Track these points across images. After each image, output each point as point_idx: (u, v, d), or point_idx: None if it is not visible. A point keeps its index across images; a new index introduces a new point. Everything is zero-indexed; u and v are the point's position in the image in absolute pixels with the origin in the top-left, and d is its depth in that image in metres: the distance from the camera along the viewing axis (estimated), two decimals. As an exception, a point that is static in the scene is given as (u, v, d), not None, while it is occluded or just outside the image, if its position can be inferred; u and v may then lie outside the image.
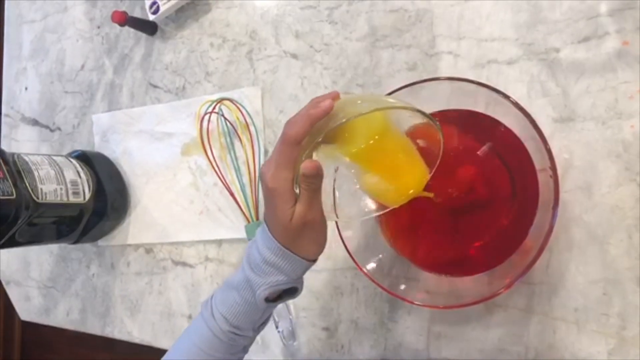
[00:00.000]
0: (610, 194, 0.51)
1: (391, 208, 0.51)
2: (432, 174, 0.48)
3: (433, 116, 0.44)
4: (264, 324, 0.52)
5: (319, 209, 0.46)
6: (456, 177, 0.55)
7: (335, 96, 0.45)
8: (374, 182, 0.48)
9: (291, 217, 0.45)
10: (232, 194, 0.72)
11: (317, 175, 0.44)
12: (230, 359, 0.51)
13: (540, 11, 0.55)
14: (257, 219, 0.70)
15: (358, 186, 0.50)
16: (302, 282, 0.50)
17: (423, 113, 0.43)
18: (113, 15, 0.77)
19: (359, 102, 0.44)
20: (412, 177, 0.48)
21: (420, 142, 0.48)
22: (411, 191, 0.48)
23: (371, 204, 0.52)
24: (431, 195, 0.50)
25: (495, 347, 0.55)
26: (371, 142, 0.44)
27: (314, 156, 0.45)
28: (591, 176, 0.52)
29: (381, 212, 0.52)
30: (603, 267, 0.50)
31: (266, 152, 0.71)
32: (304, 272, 0.48)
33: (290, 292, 0.49)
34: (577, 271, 0.52)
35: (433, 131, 0.45)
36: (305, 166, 0.43)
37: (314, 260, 0.48)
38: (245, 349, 0.52)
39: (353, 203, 0.54)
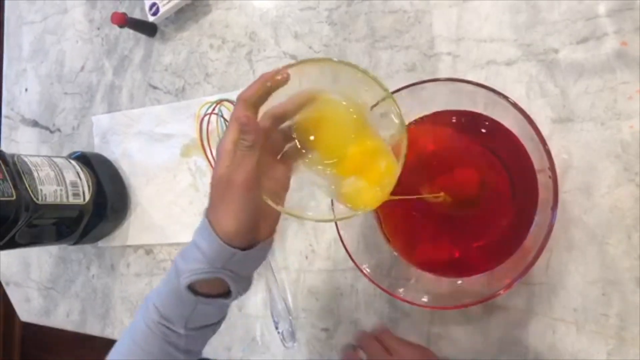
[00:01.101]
0: (609, 194, 0.51)
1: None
2: (401, 167, 0.43)
3: (433, 117, 0.43)
4: (207, 327, 0.47)
5: (248, 173, 0.40)
6: (455, 177, 0.55)
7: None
8: (347, 188, 0.45)
9: (215, 178, 0.41)
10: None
11: (250, 131, 0.40)
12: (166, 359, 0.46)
13: (538, 12, 0.55)
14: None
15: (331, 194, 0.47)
16: (238, 280, 0.44)
17: (379, 84, 0.41)
18: (113, 16, 0.77)
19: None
20: (379, 178, 0.44)
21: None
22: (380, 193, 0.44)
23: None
24: (440, 199, 0.49)
25: (495, 347, 0.55)
26: (349, 143, 0.43)
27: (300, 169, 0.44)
28: (590, 177, 0.52)
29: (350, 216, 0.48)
30: (602, 268, 0.51)
31: (266, 153, 0.71)
32: (226, 260, 0.42)
33: (227, 294, 0.45)
34: (576, 271, 0.52)
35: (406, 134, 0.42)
36: (237, 115, 0.40)
37: (232, 247, 0.42)
38: (188, 354, 0.48)
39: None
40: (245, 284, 0.46)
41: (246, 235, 0.43)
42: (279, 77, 0.41)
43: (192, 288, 0.44)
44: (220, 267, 0.42)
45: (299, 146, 0.45)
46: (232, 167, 0.40)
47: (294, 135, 0.45)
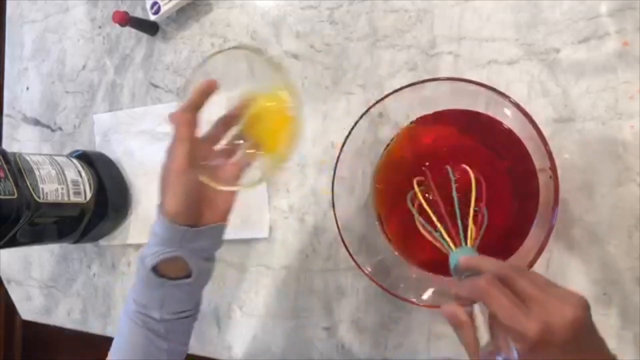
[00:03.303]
0: (610, 194, 0.51)
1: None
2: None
3: (434, 116, 0.44)
4: (182, 314, 0.51)
5: (180, 159, 0.47)
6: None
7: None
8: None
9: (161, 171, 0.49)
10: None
11: (181, 125, 0.47)
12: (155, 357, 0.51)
13: (540, 12, 0.55)
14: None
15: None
16: (195, 259, 0.50)
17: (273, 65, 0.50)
18: (114, 15, 0.77)
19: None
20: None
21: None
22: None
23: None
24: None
25: (496, 347, 0.55)
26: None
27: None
28: (591, 176, 0.52)
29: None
30: (603, 267, 0.51)
31: (267, 152, 0.71)
32: (177, 237, 0.48)
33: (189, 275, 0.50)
34: (577, 271, 0.52)
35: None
36: (172, 116, 0.48)
37: (184, 224, 0.48)
38: (169, 341, 0.51)
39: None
40: (205, 265, 0.51)
41: (187, 213, 0.48)
42: (206, 87, 0.49)
43: (157, 272, 0.49)
44: (177, 246, 0.48)
45: (246, 142, 0.53)
46: (170, 158, 0.48)
47: (242, 135, 0.53)
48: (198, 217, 0.49)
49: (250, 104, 0.52)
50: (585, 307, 0.36)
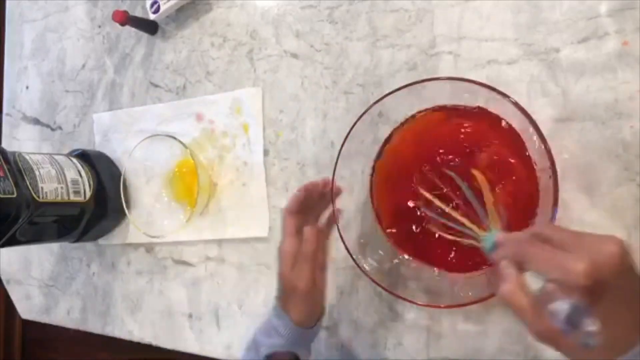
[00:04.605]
0: (609, 194, 0.51)
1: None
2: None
3: (432, 113, 0.44)
4: None
5: (305, 278, 0.52)
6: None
7: (326, 183, 0.56)
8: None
9: (283, 279, 0.53)
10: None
11: (306, 243, 0.52)
12: None
13: (540, 12, 0.55)
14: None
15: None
16: (303, 352, 0.55)
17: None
18: (114, 14, 0.77)
19: None
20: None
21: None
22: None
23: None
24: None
25: (495, 346, 0.55)
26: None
27: None
28: (591, 176, 0.52)
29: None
30: (602, 267, 0.50)
31: (266, 152, 0.71)
32: (300, 338, 0.54)
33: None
34: (576, 271, 0.52)
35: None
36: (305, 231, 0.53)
37: (306, 327, 0.54)
38: None
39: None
40: (309, 356, 0.58)
41: (310, 319, 0.55)
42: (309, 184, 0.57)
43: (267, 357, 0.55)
44: (298, 346, 0.54)
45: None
46: (294, 273, 0.53)
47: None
48: (314, 318, 0.56)
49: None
50: (622, 242, 0.35)
